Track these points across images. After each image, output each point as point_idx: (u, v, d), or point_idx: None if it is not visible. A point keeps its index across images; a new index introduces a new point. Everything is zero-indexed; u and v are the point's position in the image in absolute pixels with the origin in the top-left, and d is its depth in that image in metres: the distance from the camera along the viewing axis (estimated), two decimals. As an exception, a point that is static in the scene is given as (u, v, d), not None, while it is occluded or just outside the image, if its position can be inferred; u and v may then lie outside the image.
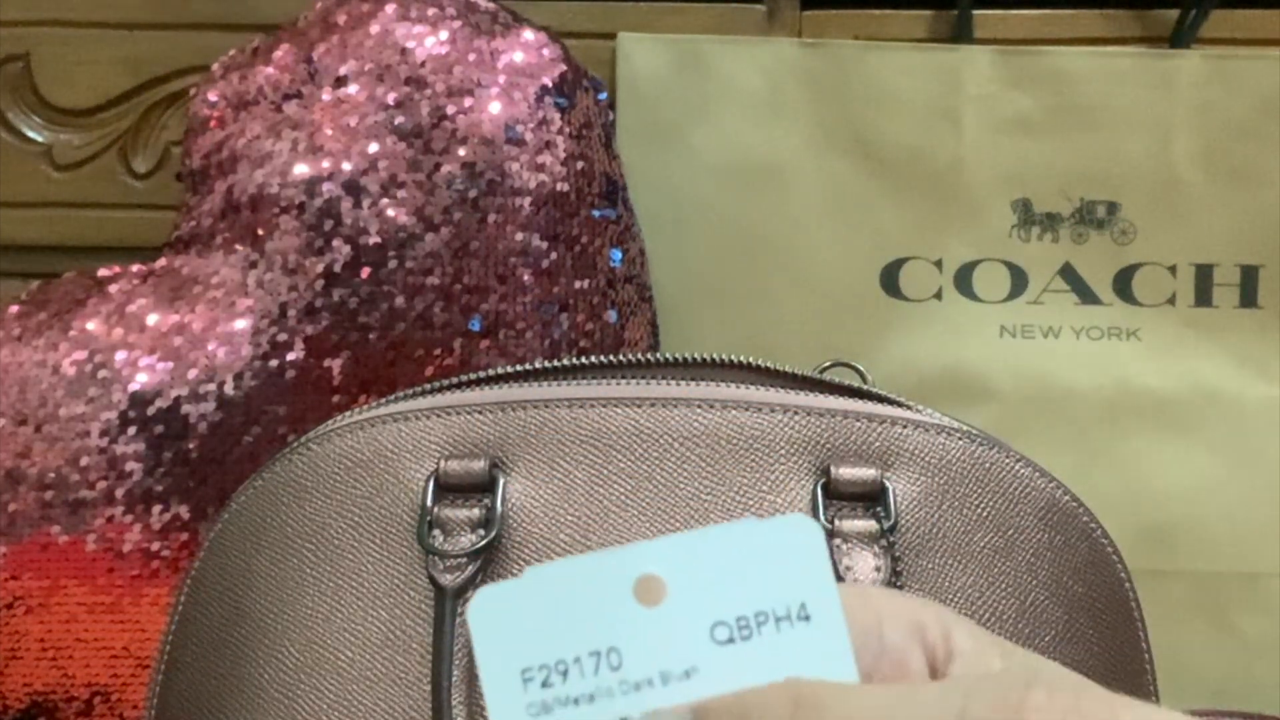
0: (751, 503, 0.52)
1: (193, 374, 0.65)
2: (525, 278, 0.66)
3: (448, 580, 0.51)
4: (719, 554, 0.27)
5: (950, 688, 0.25)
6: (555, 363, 0.56)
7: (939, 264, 0.76)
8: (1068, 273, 0.76)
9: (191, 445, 0.65)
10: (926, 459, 0.53)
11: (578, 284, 0.67)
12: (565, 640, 0.27)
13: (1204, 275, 0.76)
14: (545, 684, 0.27)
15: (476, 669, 0.27)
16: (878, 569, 0.51)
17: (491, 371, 0.56)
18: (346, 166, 0.66)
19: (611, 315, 0.68)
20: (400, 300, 0.65)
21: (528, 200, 0.66)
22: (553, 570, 0.27)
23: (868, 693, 0.25)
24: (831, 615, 0.27)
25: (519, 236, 0.66)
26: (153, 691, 0.56)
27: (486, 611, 0.27)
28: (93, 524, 0.64)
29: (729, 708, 0.26)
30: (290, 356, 0.65)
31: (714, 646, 0.27)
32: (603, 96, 0.70)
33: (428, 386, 0.56)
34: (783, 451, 0.53)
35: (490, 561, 0.52)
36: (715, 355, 0.56)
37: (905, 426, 0.54)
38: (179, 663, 0.55)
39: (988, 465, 0.54)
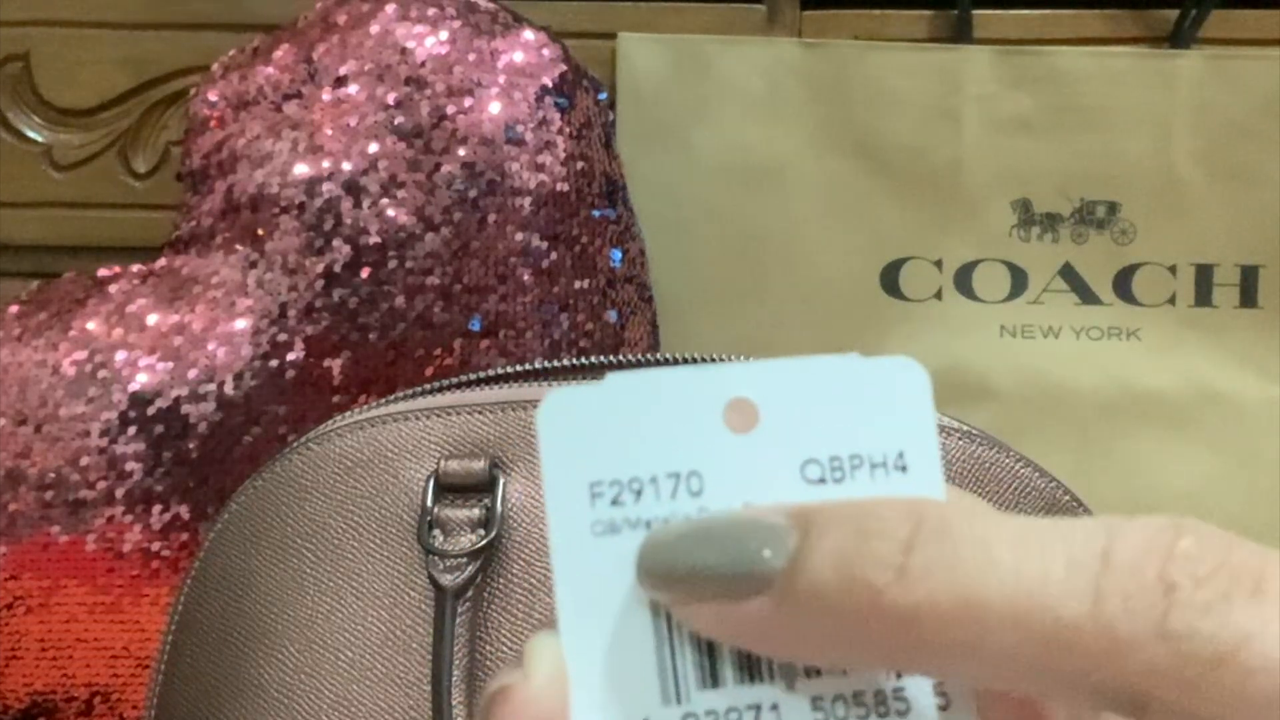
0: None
1: (193, 374, 0.65)
2: (525, 278, 0.66)
3: (448, 580, 0.51)
4: (818, 387, 0.25)
5: (1095, 525, 0.23)
6: (555, 363, 0.56)
7: (939, 264, 0.76)
8: (1068, 273, 0.76)
9: (191, 445, 0.65)
10: (926, 459, 0.53)
11: (578, 284, 0.67)
12: (643, 457, 0.24)
13: (1204, 275, 0.76)
14: (615, 501, 0.24)
15: (542, 481, 0.24)
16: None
17: (491, 371, 0.56)
18: (346, 166, 0.66)
19: (611, 315, 0.68)
20: (400, 300, 0.65)
21: (528, 200, 0.66)
22: (637, 380, 0.24)
23: (1001, 522, 0.23)
24: (931, 469, 0.25)
25: (519, 236, 0.66)
26: (153, 691, 0.56)
27: (557, 415, 0.24)
28: (93, 524, 0.64)
29: (839, 515, 0.23)
30: (290, 356, 0.65)
31: (803, 484, 0.24)
32: (603, 96, 0.70)
33: (428, 386, 0.56)
34: (783, 451, 0.53)
35: (490, 561, 0.52)
36: (715, 355, 0.56)
37: (905, 426, 0.54)
38: (179, 663, 0.55)
39: (988, 465, 0.54)
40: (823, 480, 0.24)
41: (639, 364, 0.56)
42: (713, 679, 0.24)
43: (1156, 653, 0.21)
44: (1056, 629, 0.22)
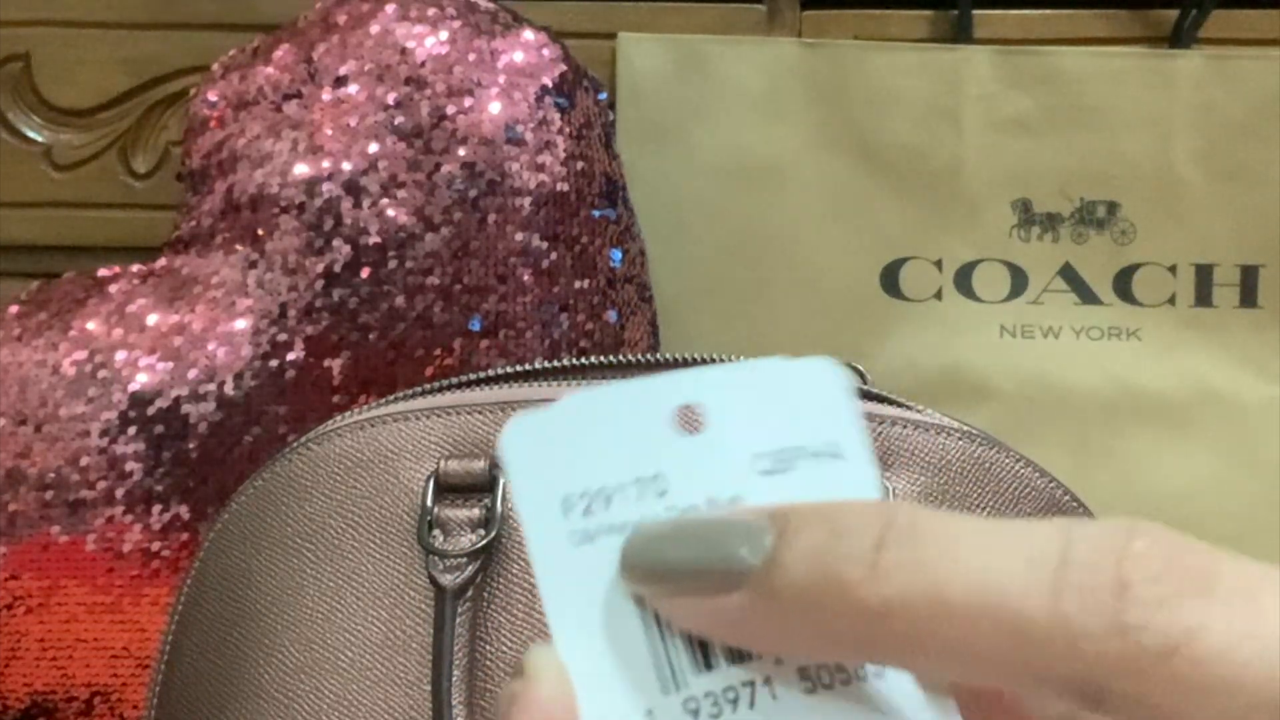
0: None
1: (193, 374, 0.65)
2: (525, 278, 0.66)
3: (448, 580, 0.51)
4: (753, 389, 0.27)
5: (1055, 527, 0.24)
6: (555, 363, 0.56)
7: (939, 264, 0.76)
8: (1068, 273, 0.76)
9: (191, 445, 0.65)
10: (926, 459, 0.53)
11: (578, 284, 0.67)
12: (607, 467, 0.26)
13: (1204, 275, 0.76)
14: (588, 511, 0.25)
15: (512, 503, 0.26)
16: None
17: (491, 371, 0.56)
18: (346, 166, 0.66)
19: (611, 315, 0.68)
20: (400, 300, 0.65)
21: (528, 200, 0.66)
22: (590, 396, 0.26)
23: (966, 523, 0.24)
24: (862, 454, 0.27)
25: (519, 236, 0.66)
26: (153, 691, 0.56)
27: (520, 439, 0.26)
28: (93, 524, 0.64)
29: (813, 516, 0.24)
30: (290, 356, 0.65)
31: (756, 476, 0.26)
32: (603, 96, 0.70)
33: (428, 386, 0.56)
34: (783, 451, 0.53)
35: (490, 561, 0.52)
36: (715, 355, 0.56)
37: (905, 426, 0.54)
38: (179, 663, 0.55)
39: (987, 465, 0.54)
40: (771, 471, 0.26)
41: (639, 364, 0.56)
42: (706, 663, 0.25)
43: (1111, 645, 0.22)
44: (1017, 623, 0.23)
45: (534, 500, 0.25)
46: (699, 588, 0.25)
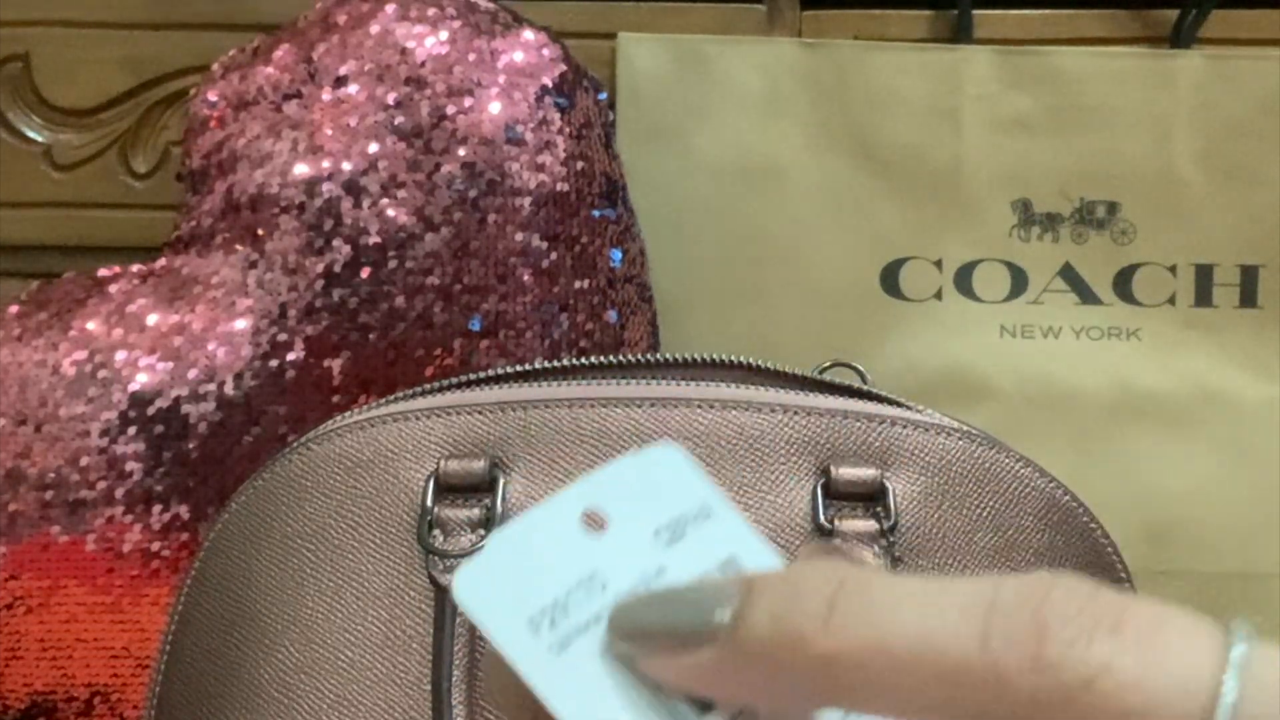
0: (751, 502, 0.52)
1: (193, 374, 0.65)
2: (525, 278, 0.66)
3: (448, 580, 0.51)
4: (628, 481, 0.31)
5: (985, 581, 0.27)
6: (555, 363, 0.56)
7: (939, 264, 0.76)
8: (1068, 273, 0.76)
9: (191, 445, 0.65)
10: (926, 459, 0.53)
11: (578, 284, 0.67)
12: (550, 582, 0.30)
13: (1204, 275, 0.76)
14: (553, 624, 0.29)
15: (486, 638, 0.29)
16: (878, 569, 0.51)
17: (491, 371, 0.56)
18: (346, 166, 0.66)
19: (611, 315, 0.68)
20: (400, 300, 0.65)
21: (528, 200, 0.66)
22: (509, 531, 0.30)
23: (908, 583, 0.27)
24: (725, 509, 0.31)
25: (519, 236, 0.66)
26: (153, 691, 0.56)
27: (472, 586, 0.29)
28: (93, 524, 0.64)
29: (775, 580, 0.28)
30: (290, 356, 0.65)
31: (665, 549, 0.31)
32: (603, 96, 0.70)
33: (428, 386, 0.56)
34: (782, 451, 0.53)
35: (490, 561, 0.52)
36: (715, 355, 0.56)
37: (905, 426, 0.54)
38: (179, 662, 0.55)
39: (987, 465, 0.54)
40: (672, 541, 0.31)
41: (639, 364, 0.56)
42: (704, 705, 0.29)
43: (1033, 682, 0.25)
44: (952, 667, 0.26)
45: (505, 632, 0.29)
46: (676, 645, 0.28)
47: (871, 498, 0.53)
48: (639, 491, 0.31)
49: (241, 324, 0.65)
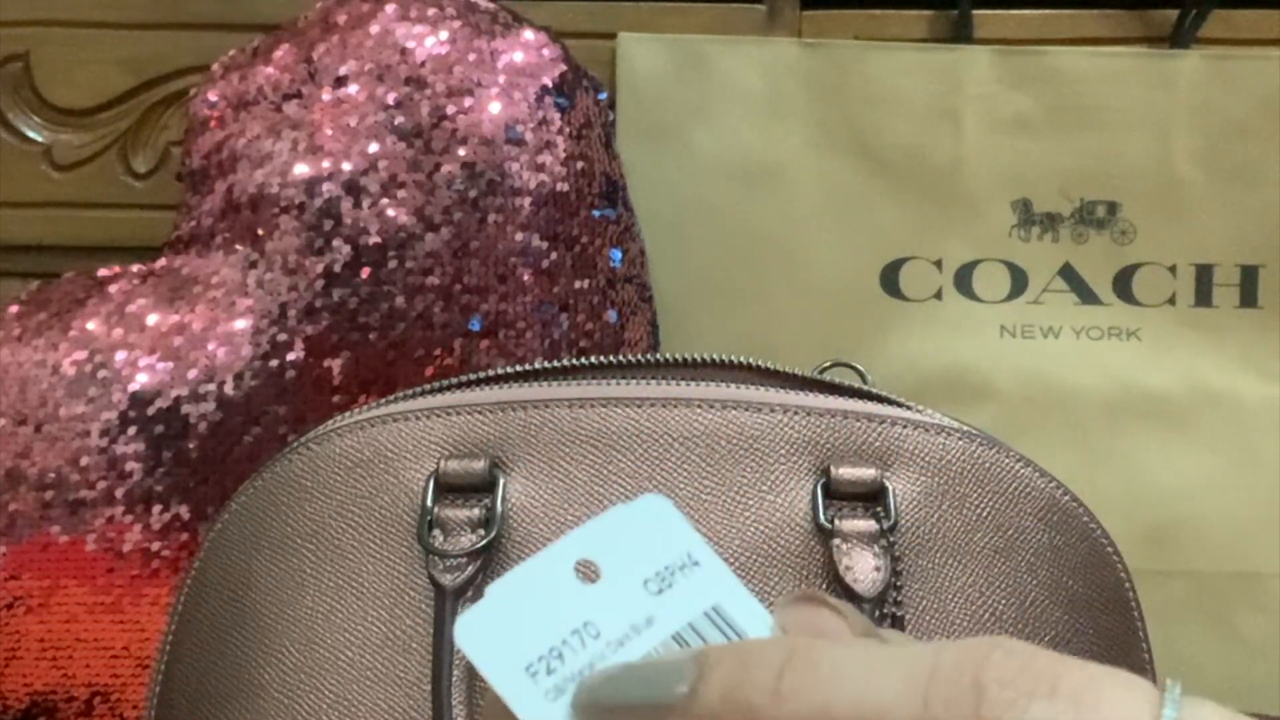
0: (751, 502, 0.52)
1: (193, 374, 0.65)
2: (525, 278, 0.66)
3: (448, 580, 0.51)
4: (619, 532, 0.33)
5: (927, 648, 0.28)
6: (555, 363, 0.56)
7: (939, 264, 0.76)
8: (1068, 273, 0.76)
9: (191, 445, 0.65)
10: (926, 459, 0.53)
11: (578, 284, 0.67)
12: (547, 631, 0.31)
13: (1204, 275, 0.76)
14: (549, 670, 0.31)
15: (486, 683, 0.31)
16: (877, 569, 0.51)
17: (491, 371, 0.56)
18: (346, 166, 0.66)
19: (611, 315, 0.68)
20: (400, 300, 0.65)
21: (528, 200, 0.66)
22: (508, 581, 0.32)
23: (855, 650, 0.29)
24: (710, 558, 0.33)
25: (519, 236, 0.66)
26: (153, 691, 0.56)
27: (473, 633, 0.31)
28: (93, 524, 0.64)
29: (729, 655, 0.30)
30: (290, 356, 0.65)
31: (654, 598, 0.32)
32: (603, 96, 0.70)
33: (428, 386, 0.56)
34: (783, 451, 0.53)
35: (490, 561, 0.52)
36: (715, 355, 0.56)
37: (905, 426, 0.54)
38: (179, 663, 0.55)
39: (987, 465, 0.54)
40: (661, 590, 0.33)
41: (639, 364, 0.56)
42: None
43: None
44: None
45: (505, 677, 0.31)
46: (636, 718, 0.30)
47: (871, 497, 0.53)
48: (629, 542, 0.33)
49: (241, 324, 0.65)
